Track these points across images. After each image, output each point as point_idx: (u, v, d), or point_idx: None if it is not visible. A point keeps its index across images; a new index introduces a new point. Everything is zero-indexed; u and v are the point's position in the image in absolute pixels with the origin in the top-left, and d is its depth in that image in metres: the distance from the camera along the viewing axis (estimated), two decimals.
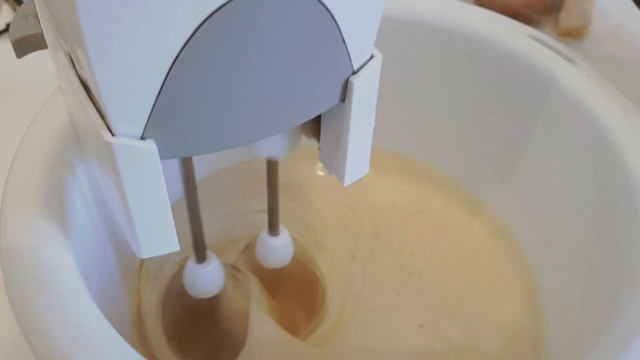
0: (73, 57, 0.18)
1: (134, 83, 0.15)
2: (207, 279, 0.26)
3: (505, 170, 0.33)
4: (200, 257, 0.25)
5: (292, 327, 0.30)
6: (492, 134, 0.33)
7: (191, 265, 0.26)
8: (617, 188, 0.26)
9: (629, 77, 0.35)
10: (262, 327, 0.29)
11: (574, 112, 0.28)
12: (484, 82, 0.32)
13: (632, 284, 0.23)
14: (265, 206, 0.27)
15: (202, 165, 0.32)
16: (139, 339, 0.28)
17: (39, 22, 0.22)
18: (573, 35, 0.43)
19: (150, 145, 0.16)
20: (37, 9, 0.21)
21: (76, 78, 0.18)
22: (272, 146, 0.22)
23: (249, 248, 0.31)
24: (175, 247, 0.19)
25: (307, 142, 0.23)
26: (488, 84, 0.32)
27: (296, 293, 0.31)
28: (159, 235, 0.19)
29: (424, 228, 0.35)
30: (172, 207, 0.18)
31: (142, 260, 0.30)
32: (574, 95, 0.28)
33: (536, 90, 0.30)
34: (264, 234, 0.28)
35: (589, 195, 0.28)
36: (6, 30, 0.41)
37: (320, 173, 0.36)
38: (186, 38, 0.15)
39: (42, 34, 0.22)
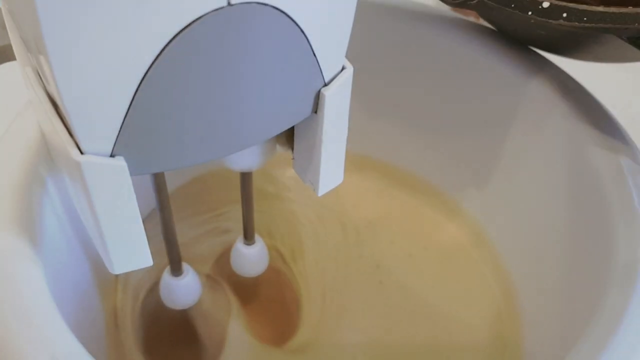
0: (40, 71, 0.17)
1: (101, 100, 0.15)
2: (183, 291, 0.26)
3: (480, 173, 0.33)
4: (176, 270, 0.25)
5: (269, 335, 0.29)
6: (468, 136, 0.33)
7: (167, 277, 0.25)
8: (589, 191, 0.26)
9: (603, 78, 0.35)
10: (238, 336, 0.28)
11: (548, 117, 0.28)
12: (458, 86, 0.32)
13: (606, 285, 0.24)
14: (239, 215, 0.27)
15: (173, 175, 0.32)
16: (116, 353, 0.27)
17: (7, 34, 0.21)
18: None
19: (120, 162, 0.16)
20: (5, 20, 0.21)
21: (44, 93, 0.18)
22: (245, 158, 0.22)
23: (224, 257, 0.31)
24: (148, 262, 0.19)
25: (281, 152, 0.23)
26: (462, 88, 0.32)
27: (272, 301, 0.31)
28: (131, 250, 0.18)
29: (398, 232, 0.35)
30: (145, 219, 0.18)
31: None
32: (548, 99, 0.28)
33: (511, 94, 0.30)
34: (239, 244, 0.28)
35: (562, 198, 0.28)
36: None
37: (293, 180, 0.36)
38: (155, 54, 0.15)
39: (10, 45, 0.21)
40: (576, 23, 0.22)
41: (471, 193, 0.34)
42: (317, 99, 0.19)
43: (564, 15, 0.22)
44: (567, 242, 0.28)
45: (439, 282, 0.33)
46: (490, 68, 0.30)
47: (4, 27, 0.24)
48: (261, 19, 0.15)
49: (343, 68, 0.19)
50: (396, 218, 0.35)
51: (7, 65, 0.32)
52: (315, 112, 0.19)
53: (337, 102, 0.19)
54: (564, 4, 0.22)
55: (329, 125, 0.20)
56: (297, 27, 0.16)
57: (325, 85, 0.19)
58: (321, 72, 0.18)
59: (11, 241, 0.20)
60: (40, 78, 0.18)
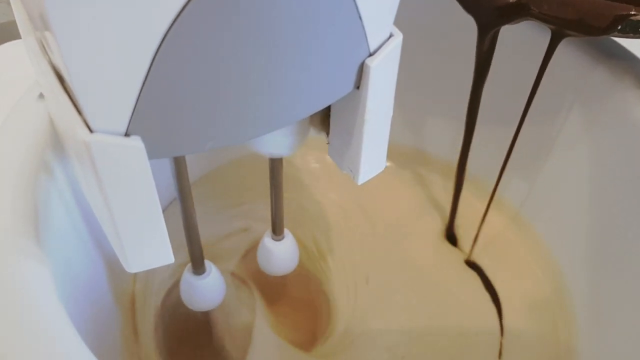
0: (43, 41, 0.15)
1: (113, 70, 0.13)
2: (206, 291, 0.23)
3: (526, 163, 0.31)
4: (198, 268, 0.23)
5: (297, 339, 0.27)
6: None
7: (188, 276, 0.23)
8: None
9: None
10: (264, 340, 0.26)
11: (609, 105, 0.26)
12: (505, 78, 0.29)
13: None
14: (267, 207, 0.24)
15: (196, 163, 0.30)
16: (131, 358, 0.25)
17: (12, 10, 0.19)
18: None
19: (136, 142, 0.14)
20: None
21: (49, 67, 0.15)
22: (276, 142, 0.19)
23: (250, 254, 0.29)
24: (169, 259, 0.17)
25: (315, 136, 0.20)
26: (508, 80, 0.29)
27: (301, 302, 0.29)
28: (149, 246, 0.16)
29: (436, 225, 0.32)
30: (164, 211, 0.16)
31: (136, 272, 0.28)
32: (602, 91, 0.26)
33: (561, 87, 0.28)
34: (267, 239, 0.25)
35: (612, 189, 0.26)
36: None
37: (323, 168, 0.34)
38: (174, 15, 0.12)
39: (14, 21, 0.19)
40: (631, 34, 0.22)
41: (515, 184, 0.32)
42: (360, 71, 0.17)
43: (619, 27, 0.22)
44: (616, 239, 0.26)
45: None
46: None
47: (8, 3, 0.22)
48: None
49: (390, 35, 0.17)
50: (434, 211, 0.33)
51: (13, 43, 0.30)
52: (358, 87, 0.17)
53: (383, 75, 0.17)
54: None
55: (372, 103, 0.17)
56: None
57: (370, 55, 0.16)
58: (366, 39, 0.16)
59: (15, 237, 0.18)
60: (45, 49, 0.16)
